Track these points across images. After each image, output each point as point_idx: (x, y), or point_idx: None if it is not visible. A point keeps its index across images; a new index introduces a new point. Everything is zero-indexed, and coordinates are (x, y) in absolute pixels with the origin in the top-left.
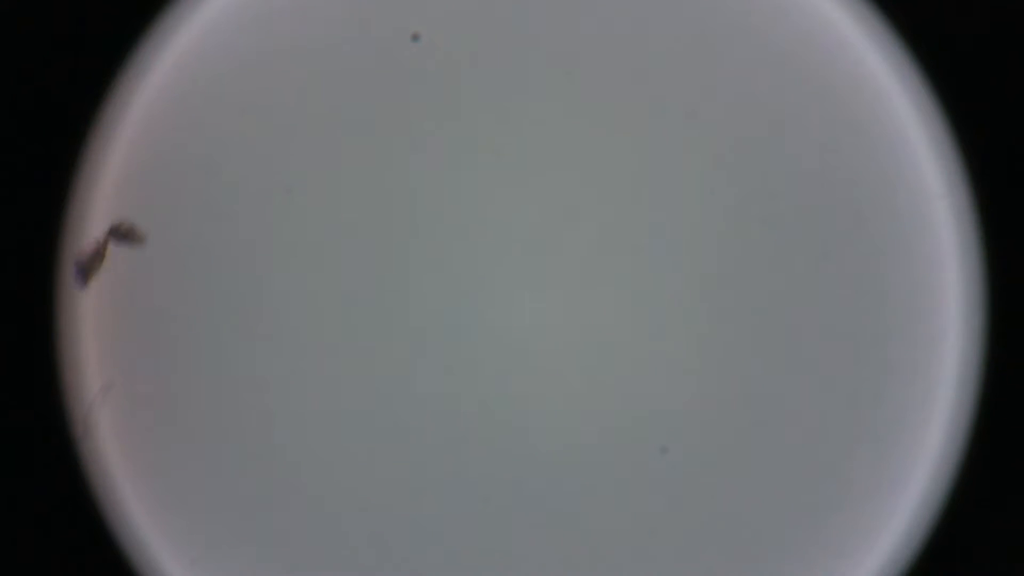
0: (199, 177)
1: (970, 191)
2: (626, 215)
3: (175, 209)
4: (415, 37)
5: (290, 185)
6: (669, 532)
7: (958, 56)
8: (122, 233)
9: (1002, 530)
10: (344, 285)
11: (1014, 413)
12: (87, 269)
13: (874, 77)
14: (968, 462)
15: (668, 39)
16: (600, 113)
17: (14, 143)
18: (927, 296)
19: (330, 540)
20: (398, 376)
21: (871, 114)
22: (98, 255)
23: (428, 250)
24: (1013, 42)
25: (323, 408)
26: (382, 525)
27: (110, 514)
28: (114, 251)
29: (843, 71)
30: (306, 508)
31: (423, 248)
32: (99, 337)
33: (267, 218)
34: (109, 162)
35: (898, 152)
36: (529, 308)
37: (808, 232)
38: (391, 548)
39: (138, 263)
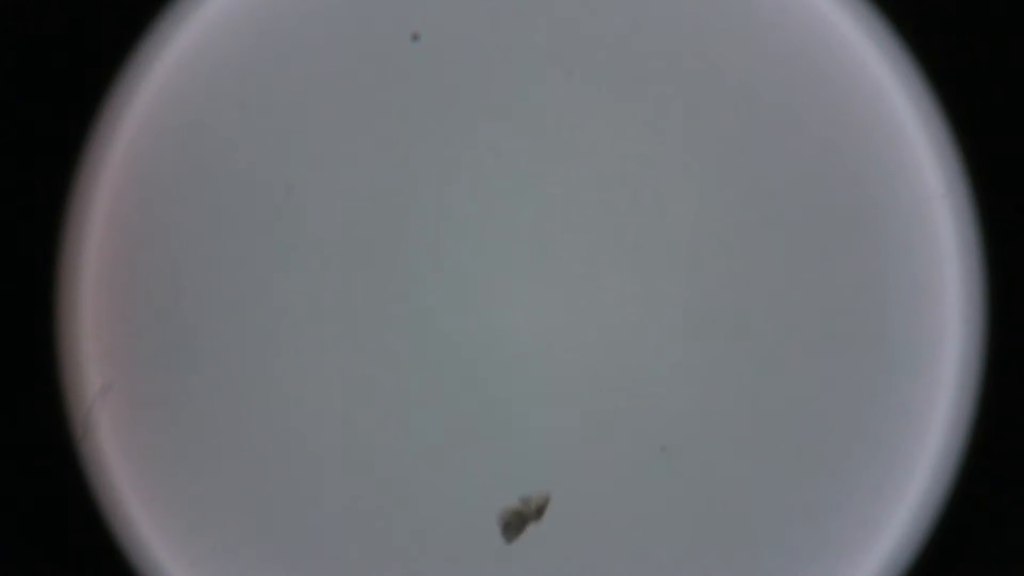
0: (199, 177)
1: (970, 191)
2: (626, 215)
3: (175, 209)
4: (415, 37)
5: (290, 185)
6: (669, 532)
7: (958, 56)
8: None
9: (1002, 530)
10: (344, 285)
11: (1014, 413)
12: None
13: (874, 77)
14: (968, 462)
15: (668, 39)
16: (600, 113)
17: (15, 143)
18: (927, 296)
19: (330, 540)
20: (398, 376)
21: (871, 114)
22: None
23: (428, 250)
24: (1013, 42)
25: (323, 408)
26: (382, 525)
27: (110, 514)
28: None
29: (843, 71)
30: (306, 508)
31: (423, 248)
32: (99, 337)
33: (267, 218)
34: (109, 162)
35: (898, 152)
36: (529, 308)
37: (808, 232)
38: (391, 548)
39: (138, 262)
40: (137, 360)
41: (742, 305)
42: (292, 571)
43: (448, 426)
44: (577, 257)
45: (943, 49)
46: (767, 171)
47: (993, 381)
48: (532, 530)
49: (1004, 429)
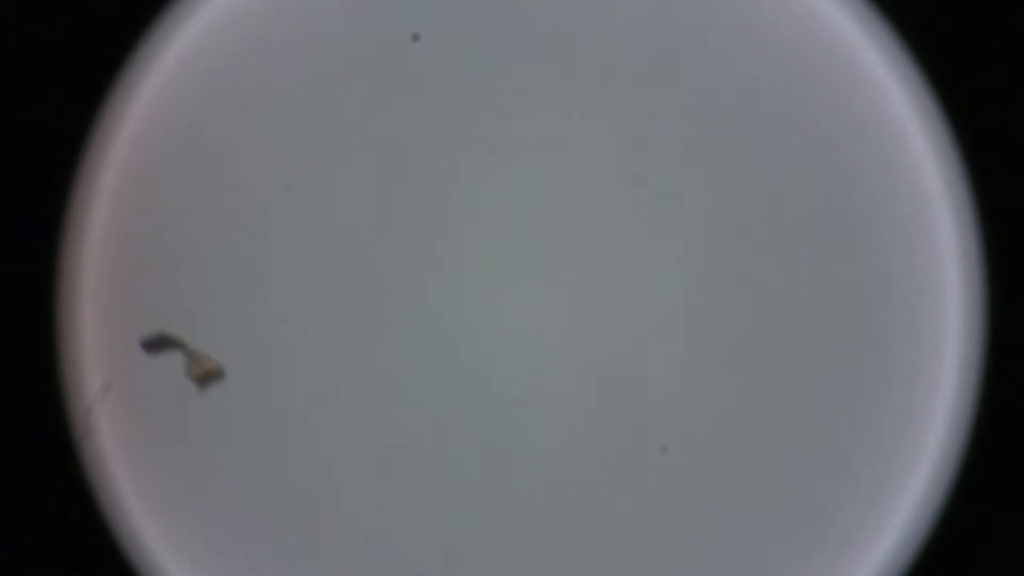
0: (199, 177)
1: (970, 191)
2: (626, 215)
3: (175, 209)
4: (415, 37)
5: (290, 185)
6: (669, 532)
7: (958, 56)
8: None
9: (1002, 530)
10: (344, 285)
11: (1014, 413)
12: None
13: (874, 77)
14: (968, 462)
15: (668, 39)
16: (600, 113)
17: (15, 143)
18: (927, 296)
19: (330, 540)
20: (398, 376)
21: (871, 114)
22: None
23: (427, 250)
24: (1013, 42)
25: (323, 408)
26: (382, 525)
27: (110, 514)
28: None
29: (843, 71)
30: (306, 508)
31: (423, 248)
32: (99, 337)
33: (267, 218)
34: (109, 162)
35: (898, 152)
36: (529, 308)
37: (808, 232)
38: (391, 548)
39: (138, 262)
40: (137, 360)
41: (742, 305)
42: (292, 571)
43: (448, 426)
44: (577, 257)
45: (943, 49)
46: (767, 171)
47: (993, 381)
48: (533, 530)
49: (1004, 429)
